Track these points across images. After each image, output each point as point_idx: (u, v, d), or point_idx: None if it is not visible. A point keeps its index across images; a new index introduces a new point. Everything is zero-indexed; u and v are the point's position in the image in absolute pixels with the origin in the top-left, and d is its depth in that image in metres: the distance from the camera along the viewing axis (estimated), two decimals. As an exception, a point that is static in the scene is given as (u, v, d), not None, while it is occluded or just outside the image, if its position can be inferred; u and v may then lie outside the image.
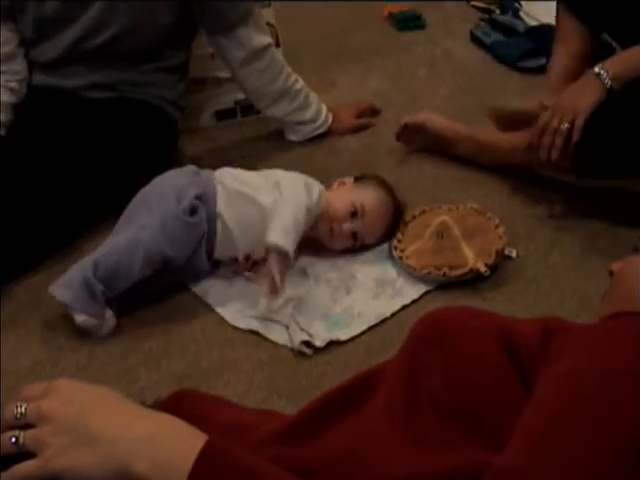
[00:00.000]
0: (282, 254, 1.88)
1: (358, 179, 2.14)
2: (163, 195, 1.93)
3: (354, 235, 2.06)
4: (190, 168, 2.09)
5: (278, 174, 2.06)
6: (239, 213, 1.97)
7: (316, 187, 2.04)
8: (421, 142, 2.49)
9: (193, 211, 1.91)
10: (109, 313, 1.88)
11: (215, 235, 1.96)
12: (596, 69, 2.02)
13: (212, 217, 1.94)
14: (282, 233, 1.88)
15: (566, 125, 2.01)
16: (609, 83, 2.00)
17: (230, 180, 2.01)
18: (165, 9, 2.26)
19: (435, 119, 2.45)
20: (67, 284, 1.85)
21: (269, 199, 1.96)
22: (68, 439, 0.93)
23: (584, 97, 2.02)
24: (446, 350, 1.13)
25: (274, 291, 1.87)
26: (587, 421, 0.93)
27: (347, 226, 2.05)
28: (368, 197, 2.07)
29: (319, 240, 2.08)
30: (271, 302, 1.92)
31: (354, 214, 2.04)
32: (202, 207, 1.92)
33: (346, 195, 2.07)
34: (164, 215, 1.88)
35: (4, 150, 2.13)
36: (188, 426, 0.96)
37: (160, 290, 1.99)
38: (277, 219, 1.90)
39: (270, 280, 1.86)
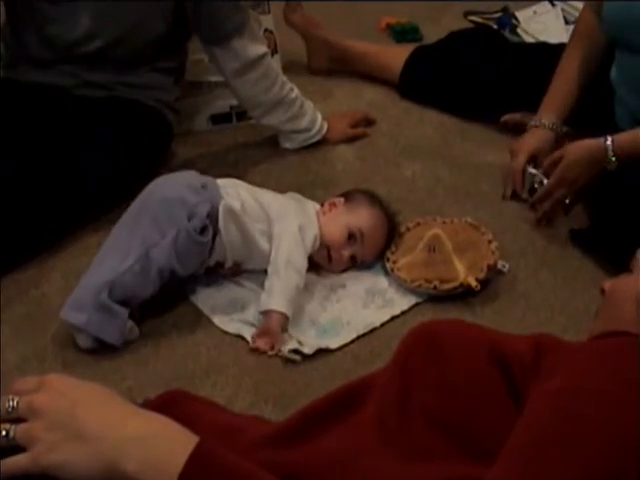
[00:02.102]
0: (283, 316, 1.87)
1: (348, 197, 2.11)
2: (173, 210, 1.86)
3: (353, 258, 2.05)
4: (195, 178, 1.99)
5: (273, 210, 1.99)
6: (236, 236, 1.94)
7: (311, 231, 1.99)
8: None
9: (203, 230, 1.88)
10: (130, 324, 1.86)
11: (213, 247, 1.94)
12: (605, 144, 2.04)
13: (213, 232, 1.92)
14: (285, 301, 1.87)
15: (567, 201, 2.15)
16: (615, 164, 2.05)
17: (235, 202, 1.94)
18: (158, 20, 2.26)
19: None
20: (79, 307, 1.81)
21: (266, 245, 1.96)
22: (59, 435, 0.93)
23: (588, 176, 2.11)
24: (438, 363, 1.13)
25: (272, 349, 1.84)
26: (576, 440, 0.93)
27: (346, 252, 2.03)
28: (363, 219, 2.04)
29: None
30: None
31: (351, 238, 2.03)
32: (210, 225, 1.89)
33: (340, 219, 2.04)
34: (176, 233, 1.84)
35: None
36: (179, 427, 0.96)
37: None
38: (278, 285, 1.88)
39: (270, 339, 1.85)
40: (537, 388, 1.03)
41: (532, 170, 2.26)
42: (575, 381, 1.01)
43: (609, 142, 2.05)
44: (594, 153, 2.08)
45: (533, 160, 2.29)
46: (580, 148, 2.12)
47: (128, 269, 1.82)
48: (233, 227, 1.93)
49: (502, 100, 2.56)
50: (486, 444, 1.02)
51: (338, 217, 2.05)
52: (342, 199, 2.10)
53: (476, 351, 1.12)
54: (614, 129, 2.16)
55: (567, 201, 2.16)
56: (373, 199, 2.11)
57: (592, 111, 2.32)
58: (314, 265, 2.03)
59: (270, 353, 1.83)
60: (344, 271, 2.07)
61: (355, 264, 2.07)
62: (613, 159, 2.04)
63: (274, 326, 1.85)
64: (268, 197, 2.04)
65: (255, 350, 1.85)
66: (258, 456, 1.05)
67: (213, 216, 1.90)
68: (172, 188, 1.92)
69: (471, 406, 1.08)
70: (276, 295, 1.87)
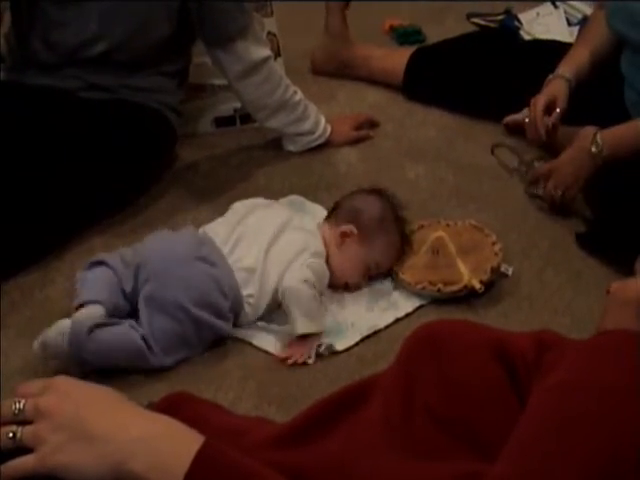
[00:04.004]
0: (318, 336, 1.88)
1: (359, 224, 2.00)
2: (201, 334, 1.84)
3: (370, 277, 2.05)
4: (217, 289, 1.84)
5: (286, 261, 1.92)
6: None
7: (324, 278, 1.96)
8: None
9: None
10: None
11: None
12: (593, 149, 2.11)
13: None
14: (308, 321, 1.86)
15: (559, 193, 2.19)
16: (604, 159, 2.11)
17: (255, 302, 1.90)
18: (162, 22, 2.27)
19: None
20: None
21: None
22: (65, 436, 0.93)
23: (579, 174, 2.17)
24: (441, 362, 1.13)
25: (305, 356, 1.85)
26: (577, 434, 0.93)
27: (364, 281, 2.03)
28: (380, 250, 2.01)
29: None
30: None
31: (368, 269, 2.02)
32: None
33: (355, 254, 1.99)
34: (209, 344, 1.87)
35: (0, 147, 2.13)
36: (185, 427, 0.97)
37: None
38: (294, 309, 1.86)
39: (304, 351, 1.85)
40: (539, 383, 1.04)
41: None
42: (575, 375, 1.01)
43: (598, 132, 2.12)
44: (580, 139, 2.15)
45: (549, 108, 2.34)
46: (570, 138, 2.22)
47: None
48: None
49: (506, 101, 2.57)
50: (491, 441, 1.03)
51: (353, 252, 2.00)
52: (354, 228, 2.00)
53: (479, 349, 1.12)
54: (625, 115, 2.24)
55: (558, 192, 2.19)
56: (384, 219, 2.03)
57: (603, 96, 2.36)
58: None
59: (300, 360, 1.83)
60: None
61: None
62: (599, 141, 2.10)
63: (307, 346, 1.85)
64: (284, 259, 1.92)
65: (285, 359, 1.85)
66: (263, 456, 1.05)
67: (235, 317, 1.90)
68: (198, 312, 1.81)
69: (475, 404, 1.08)
70: (298, 319, 1.85)
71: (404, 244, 2.06)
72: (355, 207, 2.05)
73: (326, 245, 1.99)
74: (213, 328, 1.84)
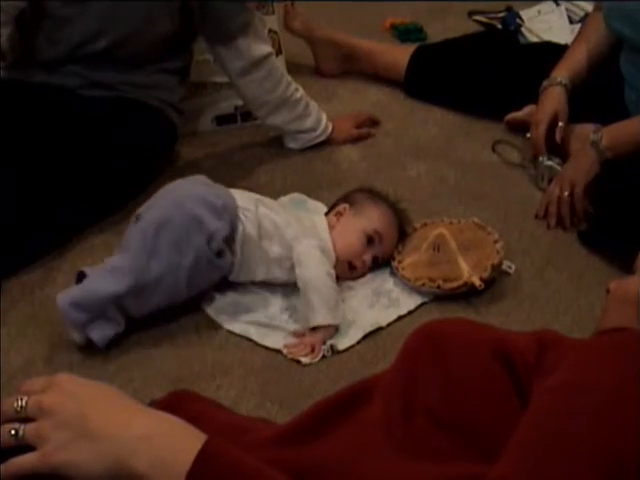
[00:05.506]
0: (333, 328, 1.88)
1: (350, 201, 2.07)
2: (191, 231, 1.83)
3: (375, 259, 2.04)
4: (214, 194, 1.91)
5: (289, 233, 1.95)
6: (250, 260, 1.94)
7: (329, 253, 1.96)
8: None
9: (221, 253, 1.88)
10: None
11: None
12: (591, 136, 2.13)
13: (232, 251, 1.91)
14: (330, 312, 1.86)
15: (566, 194, 2.17)
16: (604, 152, 2.13)
17: (252, 228, 1.92)
18: (164, 19, 2.27)
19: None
20: (82, 308, 1.81)
21: (279, 268, 1.95)
22: (68, 434, 0.93)
23: (580, 166, 2.17)
24: (442, 363, 1.13)
25: (312, 352, 1.84)
26: (578, 435, 0.94)
27: (368, 256, 2.02)
28: (375, 218, 2.03)
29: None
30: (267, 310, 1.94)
31: (371, 242, 2.02)
32: (227, 249, 1.88)
33: (353, 227, 2.02)
34: (196, 257, 1.83)
35: (1, 144, 2.13)
36: (187, 425, 0.97)
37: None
38: (316, 299, 1.86)
39: (311, 350, 1.84)
40: (540, 384, 1.04)
41: (548, 162, 2.30)
42: (575, 376, 1.02)
43: (599, 128, 2.15)
44: (579, 138, 2.21)
45: (554, 122, 2.34)
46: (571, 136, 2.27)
47: (148, 291, 1.84)
48: (248, 252, 1.92)
49: (507, 99, 2.57)
50: (492, 442, 1.03)
51: (350, 225, 2.03)
52: (346, 205, 2.07)
53: (479, 349, 1.13)
54: (625, 114, 2.25)
55: (566, 193, 2.17)
56: (375, 195, 2.10)
57: (603, 95, 2.36)
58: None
59: (305, 360, 1.83)
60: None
61: (377, 263, 2.06)
62: (601, 136, 2.12)
63: (320, 339, 1.85)
64: (283, 218, 1.98)
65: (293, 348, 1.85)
66: (264, 455, 1.05)
67: (230, 239, 1.89)
68: (191, 205, 1.85)
69: (476, 404, 1.08)
70: (318, 309, 1.85)
71: (403, 224, 2.09)
72: (346, 194, 2.13)
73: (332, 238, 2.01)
74: (203, 225, 1.83)
